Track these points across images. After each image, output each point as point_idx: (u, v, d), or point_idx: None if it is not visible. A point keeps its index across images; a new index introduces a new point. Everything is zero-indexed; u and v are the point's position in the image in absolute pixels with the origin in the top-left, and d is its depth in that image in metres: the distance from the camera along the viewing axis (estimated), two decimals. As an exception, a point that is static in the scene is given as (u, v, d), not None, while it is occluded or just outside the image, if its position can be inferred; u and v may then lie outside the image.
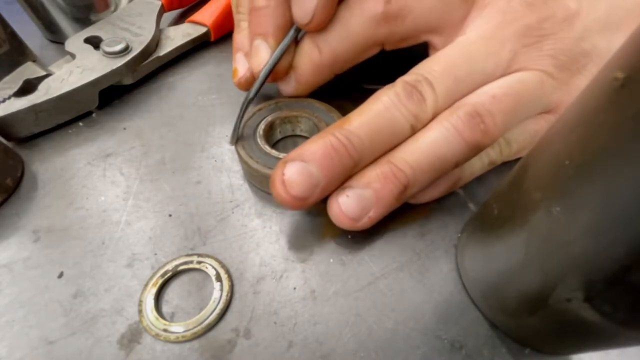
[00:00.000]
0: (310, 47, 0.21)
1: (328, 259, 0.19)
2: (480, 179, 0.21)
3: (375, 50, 0.22)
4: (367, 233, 0.20)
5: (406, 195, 0.18)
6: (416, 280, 0.18)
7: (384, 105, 0.18)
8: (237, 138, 0.21)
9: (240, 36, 0.23)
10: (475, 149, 0.18)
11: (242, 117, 0.21)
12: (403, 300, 0.18)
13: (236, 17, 0.23)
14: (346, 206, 0.18)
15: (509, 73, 0.18)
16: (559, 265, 0.12)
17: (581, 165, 0.10)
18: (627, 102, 0.09)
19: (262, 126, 0.22)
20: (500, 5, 0.19)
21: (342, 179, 0.18)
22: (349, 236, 0.20)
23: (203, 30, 0.32)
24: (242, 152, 0.21)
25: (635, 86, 0.09)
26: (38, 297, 0.18)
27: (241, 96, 0.27)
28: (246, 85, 0.23)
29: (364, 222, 0.18)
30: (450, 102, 0.18)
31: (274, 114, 0.23)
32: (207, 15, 0.32)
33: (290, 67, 0.22)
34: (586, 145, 0.10)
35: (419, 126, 0.18)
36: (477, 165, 0.20)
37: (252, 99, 0.20)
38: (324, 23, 0.19)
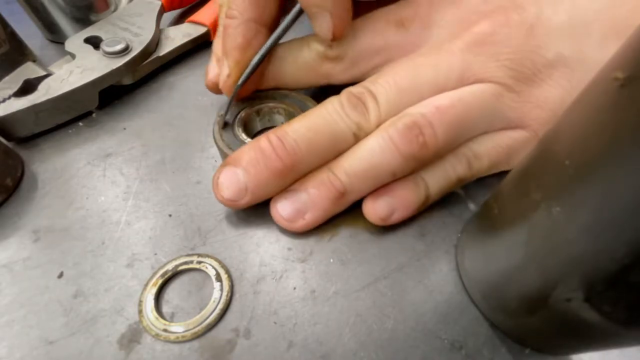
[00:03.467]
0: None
1: (328, 259, 0.19)
2: (480, 179, 0.21)
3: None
4: (367, 233, 0.20)
5: (345, 200, 0.19)
6: (416, 280, 0.18)
7: (327, 112, 0.19)
8: (225, 123, 0.22)
9: (218, 41, 0.23)
10: (413, 161, 0.18)
11: (231, 102, 0.21)
12: (403, 300, 0.18)
13: (220, 22, 0.24)
14: (282, 207, 0.19)
15: (466, 84, 0.18)
16: (559, 265, 0.12)
17: (581, 165, 0.10)
18: (627, 102, 0.09)
19: (240, 117, 0.22)
20: (450, 17, 0.18)
21: (278, 183, 0.19)
22: (349, 236, 0.20)
23: (203, 30, 0.32)
24: (221, 144, 0.21)
25: (635, 86, 0.09)
26: (38, 297, 0.18)
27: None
28: (213, 88, 0.23)
29: (300, 225, 0.19)
30: (394, 113, 0.18)
31: (252, 106, 0.23)
32: (207, 15, 0.32)
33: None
34: (586, 145, 0.10)
35: (361, 135, 0.19)
36: (444, 183, 0.19)
37: (240, 86, 0.21)
38: (342, 35, 0.20)
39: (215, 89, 0.23)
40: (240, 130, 0.22)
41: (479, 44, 0.17)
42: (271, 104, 0.23)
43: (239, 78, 0.20)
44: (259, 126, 0.24)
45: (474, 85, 0.18)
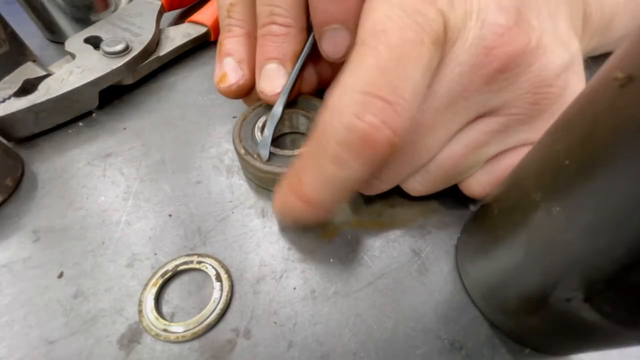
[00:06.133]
0: None
1: (328, 259, 0.19)
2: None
3: None
4: (367, 233, 0.20)
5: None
6: (416, 280, 0.18)
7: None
8: (270, 153, 0.21)
9: (233, 42, 0.22)
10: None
11: (274, 134, 0.21)
12: (403, 300, 0.18)
13: (226, 21, 0.23)
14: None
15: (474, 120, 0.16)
16: (559, 265, 0.12)
17: (581, 165, 0.10)
18: (627, 102, 0.09)
19: (259, 125, 0.22)
20: (469, 43, 0.14)
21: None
22: (349, 236, 0.20)
23: (203, 30, 0.32)
24: (242, 151, 0.21)
25: (635, 86, 0.09)
26: (38, 297, 0.18)
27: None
28: (237, 92, 0.22)
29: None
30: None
31: (270, 113, 0.23)
32: (207, 15, 0.32)
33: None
34: (586, 145, 0.10)
35: None
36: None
37: (281, 118, 0.21)
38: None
39: (238, 94, 0.22)
40: (260, 138, 0.21)
41: (498, 80, 0.15)
42: (288, 110, 0.23)
43: (295, 79, 0.21)
44: (277, 132, 0.24)
45: (476, 126, 0.16)
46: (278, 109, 0.21)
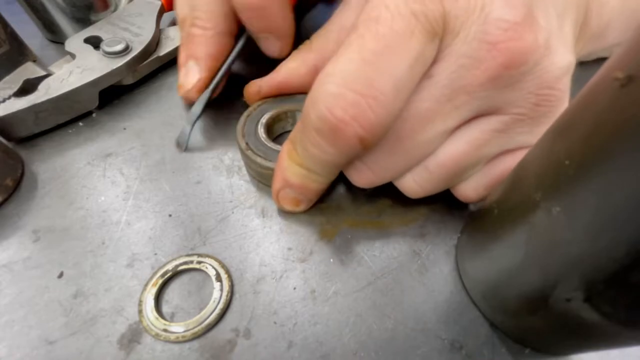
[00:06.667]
0: None
1: (328, 259, 0.19)
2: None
3: None
4: (367, 233, 0.20)
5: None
6: (416, 280, 0.18)
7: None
8: (186, 146, 0.24)
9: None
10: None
11: (191, 130, 0.24)
12: (403, 300, 0.18)
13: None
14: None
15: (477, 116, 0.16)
16: (559, 265, 0.12)
17: (581, 165, 0.10)
18: (627, 102, 0.09)
19: (263, 122, 0.22)
20: (470, 36, 0.14)
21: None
22: (349, 236, 0.20)
23: (203, 30, 0.32)
24: (244, 146, 0.21)
25: (635, 86, 0.09)
26: (38, 297, 0.18)
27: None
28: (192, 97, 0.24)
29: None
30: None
31: (274, 110, 0.23)
32: (207, 15, 0.32)
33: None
34: (586, 145, 0.10)
35: None
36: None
37: (199, 117, 0.23)
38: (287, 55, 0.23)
39: (192, 98, 0.24)
40: (264, 135, 0.22)
41: (503, 77, 0.14)
42: (292, 107, 0.23)
43: (207, 84, 0.23)
44: (280, 129, 0.24)
45: (481, 122, 0.16)
46: (198, 107, 0.23)
